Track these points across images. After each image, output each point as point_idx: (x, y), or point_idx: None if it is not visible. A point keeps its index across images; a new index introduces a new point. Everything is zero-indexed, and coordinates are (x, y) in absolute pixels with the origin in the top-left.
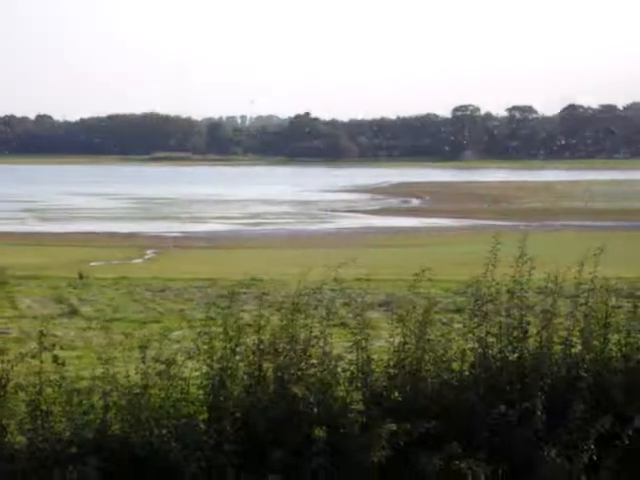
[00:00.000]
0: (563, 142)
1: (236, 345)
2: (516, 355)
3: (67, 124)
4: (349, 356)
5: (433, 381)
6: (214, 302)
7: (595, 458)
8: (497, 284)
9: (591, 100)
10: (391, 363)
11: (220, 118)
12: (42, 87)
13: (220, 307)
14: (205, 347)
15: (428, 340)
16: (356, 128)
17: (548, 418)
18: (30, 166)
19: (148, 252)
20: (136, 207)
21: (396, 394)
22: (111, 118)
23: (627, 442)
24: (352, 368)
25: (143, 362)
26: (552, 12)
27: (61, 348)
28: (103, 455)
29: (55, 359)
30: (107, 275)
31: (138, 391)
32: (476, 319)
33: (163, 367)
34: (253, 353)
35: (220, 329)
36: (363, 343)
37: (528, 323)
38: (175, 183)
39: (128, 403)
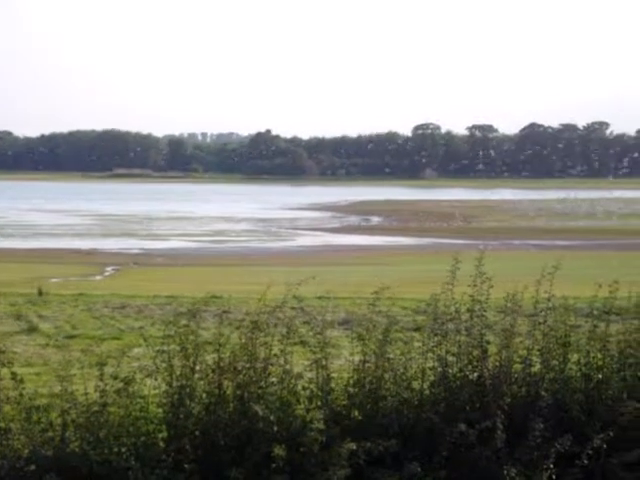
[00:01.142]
0: (523, 161)
1: (195, 363)
2: (476, 374)
3: (27, 140)
4: (309, 374)
5: (393, 400)
6: (173, 320)
7: (554, 477)
8: (457, 303)
9: (551, 120)
10: (351, 382)
11: (181, 135)
12: (2, 102)
13: (179, 325)
14: (164, 365)
15: (388, 359)
16: (317, 146)
17: (508, 437)
18: None
19: (108, 269)
20: (96, 224)
21: (356, 413)
22: (72, 134)
23: (586, 461)
24: (312, 387)
25: (101, 380)
26: (515, 34)
27: (20, 365)
28: (62, 473)
29: (14, 376)
30: (66, 291)
31: (97, 409)
32: (436, 338)
33: (122, 385)
34: (213, 371)
35: (179, 347)
36: (323, 362)
37: (488, 342)
38: (135, 200)
39: (87, 421)
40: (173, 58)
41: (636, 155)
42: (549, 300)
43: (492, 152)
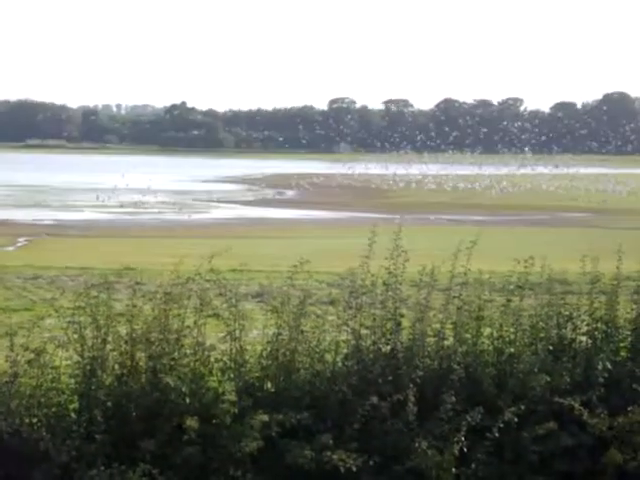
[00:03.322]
0: (438, 136)
1: (106, 334)
2: (389, 347)
3: None
4: (222, 346)
5: (306, 372)
6: (84, 291)
7: (465, 450)
8: (372, 276)
9: (467, 96)
10: (264, 354)
11: (96, 106)
12: None
13: (90, 296)
14: (75, 336)
15: (302, 332)
16: (232, 119)
17: (420, 410)
18: None
19: (20, 240)
20: (8, 194)
21: (269, 385)
22: None
23: (497, 435)
24: (225, 358)
25: (12, 350)
26: (432, 10)
27: None
28: None
29: None
30: None
31: (7, 379)
32: (350, 311)
33: (33, 356)
34: (125, 343)
35: (91, 318)
36: (237, 334)
37: (402, 316)
38: (49, 171)
39: None
40: (88, 28)
41: (548, 131)
42: (465, 275)
43: (407, 127)
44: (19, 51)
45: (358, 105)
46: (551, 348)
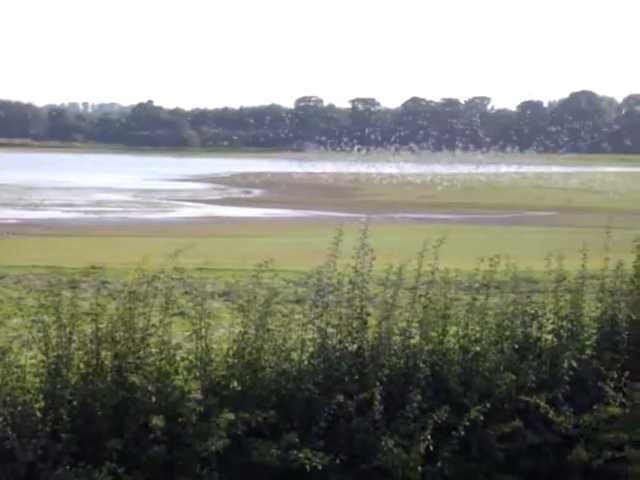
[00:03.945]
0: (405, 134)
1: (71, 333)
2: (355, 346)
3: None
4: (188, 345)
5: (272, 371)
6: (48, 290)
7: (432, 448)
8: (339, 274)
9: (434, 94)
10: (230, 353)
11: (62, 104)
12: None
13: (54, 294)
14: (40, 335)
15: (268, 330)
16: (199, 117)
17: (386, 408)
18: None
19: None
20: None
21: (235, 383)
22: None
23: (463, 433)
24: (191, 357)
25: None
26: (400, 9)
27: None
28: None
29: None
30: None
31: None
32: (317, 309)
33: None
34: (90, 341)
35: (54, 317)
36: (203, 332)
37: (368, 314)
38: (14, 169)
39: None
40: (54, 26)
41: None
42: (433, 273)
43: (374, 126)
44: None
45: (325, 104)
46: (517, 346)
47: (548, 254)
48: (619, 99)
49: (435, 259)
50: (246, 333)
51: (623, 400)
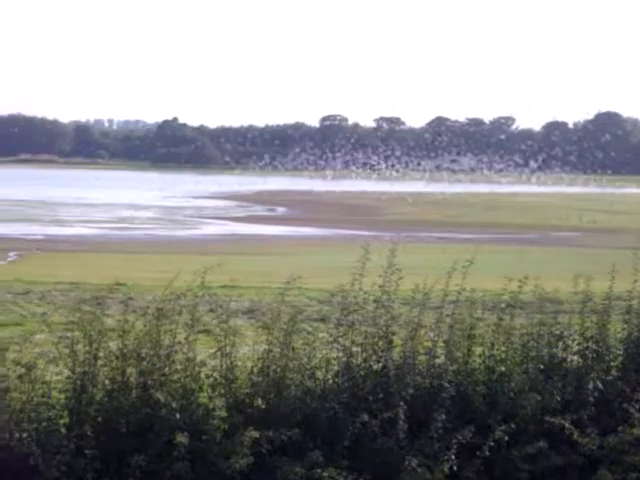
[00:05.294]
0: (427, 153)
1: (98, 350)
2: (380, 365)
3: None
4: (213, 362)
5: (296, 389)
6: (76, 306)
7: (456, 468)
8: (364, 293)
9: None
10: (255, 370)
11: (87, 121)
12: None
13: (82, 311)
14: (66, 351)
15: (293, 348)
16: (223, 135)
17: (410, 428)
18: None
19: (10, 255)
20: None
21: (259, 401)
22: None
23: (487, 453)
24: (216, 374)
25: (3, 365)
26: (425, 28)
27: None
28: None
29: None
30: None
31: None
32: (342, 328)
33: (24, 370)
34: (116, 358)
35: (82, 333)
36: (227, 350)
37: (393, 333)
38: (39, 186)
39: None
40: (81, 43)
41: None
42: (459, 293)
43: (399, 144)
44: (10, 65)
45: (350, 122)
46: (542, 367)
47: (574, 275)
48: None
49: (462, 279)
50: (271, 351)
51: None
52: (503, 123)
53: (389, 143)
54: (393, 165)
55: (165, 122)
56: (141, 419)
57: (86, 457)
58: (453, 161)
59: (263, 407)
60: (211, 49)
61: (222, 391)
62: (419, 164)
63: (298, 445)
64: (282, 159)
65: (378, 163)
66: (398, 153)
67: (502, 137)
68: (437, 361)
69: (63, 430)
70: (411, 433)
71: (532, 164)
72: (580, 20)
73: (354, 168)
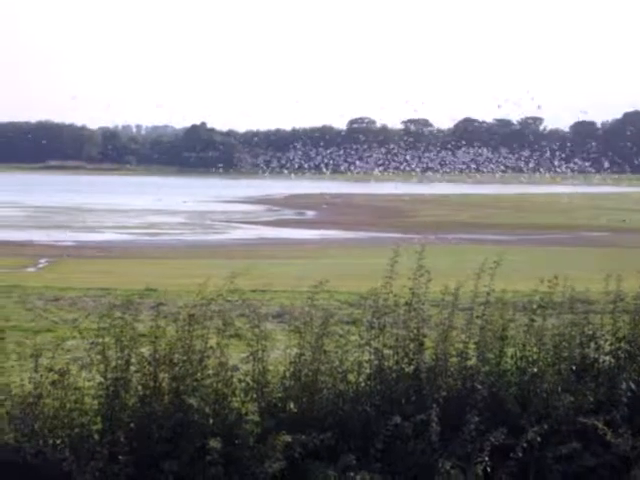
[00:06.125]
0: (455, 155)
1: (130, 355)
2: (412, 367)
3: None
4: (245, 367)
5: (329, 392)
6: (108, 312)
7: (489, 470)
8: (395, 296)
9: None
10: (287, 374)
11: (116, 127)
12: None
13: (114, 317)
14: (99, 357)
15: (324, 352)
16: (252, 139)
17: (443, 430)
18: None
19: (41, 261)
20: (29, 216)
21: (292, 405)
22: (4, 126)
23: (521, 454)
24: (248, 379)
25: (36, 371)
26: (447, 30)
27: None
28: None
29: None
30: None
31: (31, 400)
32: (373, 331)
33: (57, 377)
34: (149, 363)
35: (114, 339)
36: (259, 354)
37: (424, 335)
38: (69, 192)
39: (21, 412)
40: (107, 50)
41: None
42: (488, 294)
43: (427, 146)
44: (38, 72)
45: (378, 125)
46: (574, 368)
47: (605, 274)
48: None
49: (491, 280)
50: (302, 355)
51: None
52: (531, 123)
53: (417, 145)
54: (424, 166)
55: (193, 127)
56: (174, 424)
57: (119, 463)
58: (481, 162)
59: (295, 411)
60: (239, 54)
61: (254, 395)
62: (446, 165)
63: (331, 449)
64: (310, 162)
65: (406, 165)
66: (427, 154)
67: (531, 138)
68: (469, 363)
69: (96, 436)
70: (444, 435)
71: (560, 164)
72: (610, 21)
73: (382, 170)
